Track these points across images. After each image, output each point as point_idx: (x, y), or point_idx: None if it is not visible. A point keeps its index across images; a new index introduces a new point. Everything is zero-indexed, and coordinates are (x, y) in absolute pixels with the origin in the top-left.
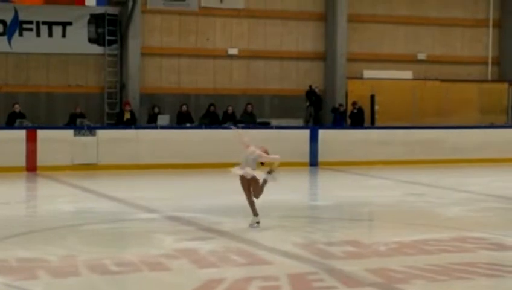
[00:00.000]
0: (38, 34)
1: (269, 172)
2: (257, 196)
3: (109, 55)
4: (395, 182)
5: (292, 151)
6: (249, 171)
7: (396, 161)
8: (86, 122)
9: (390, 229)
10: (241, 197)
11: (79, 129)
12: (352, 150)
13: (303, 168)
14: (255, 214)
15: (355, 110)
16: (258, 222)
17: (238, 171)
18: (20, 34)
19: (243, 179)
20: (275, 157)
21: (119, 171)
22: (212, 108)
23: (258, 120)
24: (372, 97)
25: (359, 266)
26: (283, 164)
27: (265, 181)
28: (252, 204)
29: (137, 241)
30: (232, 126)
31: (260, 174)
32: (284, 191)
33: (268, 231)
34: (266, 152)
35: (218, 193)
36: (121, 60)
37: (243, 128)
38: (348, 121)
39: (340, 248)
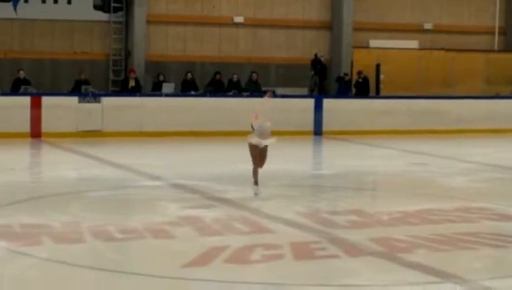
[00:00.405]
0: (43, 1)
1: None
2: (262, 165)
3: (114, 22)
4: (399, 152)
5: (297, 120)
6: (271, 141)
7: (401, 131)
8: (90, 89)
9: (393, 199)
10: (245, 166)
11: (84, 96)
12: (357, 120)
13: (307, 137)
14: (257, 183)
15: (361, 80)
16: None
17: (268, 141)
18: (26, 1)
19: (256, 147)
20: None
21: (123, 139)
22: (217, 76)
23: (263, 88)
24: (378, 67)
25: (362, 235)
26: (288, 133)
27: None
28: (257, 173)
29: (142, 209)
30: (267, 94)
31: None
32: (287, 160)
33: (271, 200)
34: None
35: (223, 161)
36: (126, 27)
37: (248, 96)
38: (353, 90)
39: (343, 217)
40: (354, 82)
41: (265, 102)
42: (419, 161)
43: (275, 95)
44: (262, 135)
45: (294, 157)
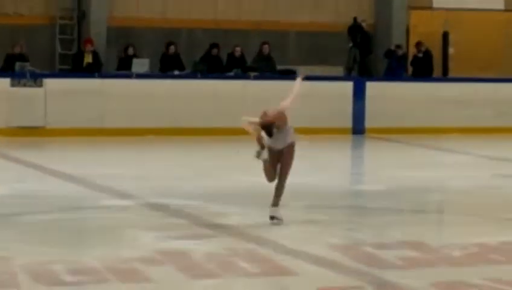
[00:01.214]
0: None
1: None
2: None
3: None
4: (478, 159)
5: (327, 113)
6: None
7: (480, 129)
8: (28, 67)
9: (469, 226)
10: (252, 179)
11: (19, 77)
12: (415, 112)
13: (343, 137)
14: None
15: (420, 55)
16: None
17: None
18: None
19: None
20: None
21: (76, 139)
22: (214, 51)
23: (279, 67)
24: (446, 36)
25: (423, 278)
26: (315, 131)
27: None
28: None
29: (103, 239)
30: (300, 76)
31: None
32: (315, 170)
33: (292, 227)
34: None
35: (221, 170)
36: None
37: (255, 78)
38: (410, 69)
39: (396, 253)
40: (410, 58)
41: (296, 88)
42: (506, 171)
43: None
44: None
45: (325, 166)
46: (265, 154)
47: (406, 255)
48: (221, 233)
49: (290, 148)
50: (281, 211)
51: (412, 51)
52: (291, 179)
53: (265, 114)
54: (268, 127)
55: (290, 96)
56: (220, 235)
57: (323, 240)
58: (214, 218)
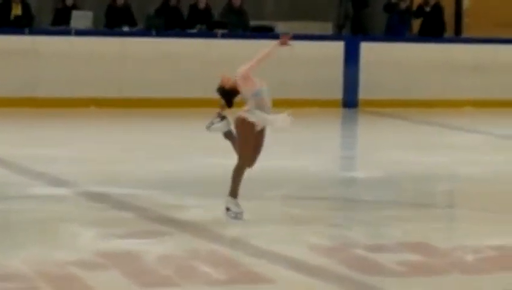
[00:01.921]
0: None
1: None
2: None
3: None
4: (496, 139)
5: (312, 82)
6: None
7: (499, 102)
8: None
9: (485, 224)
10: (217, 161)
11: None
12: (420, 81)
13: (331, 112)
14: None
15: (428, 9)
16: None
17: (280, 118)
18: None
19: (252, 128)
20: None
21: (0, 110)
22: (173, 1)
23: (253, 23)
24: None
25: (429, 287)
26: (296, 104)
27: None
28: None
29: (32, 237)
30: (283, 37)
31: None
32: (295, 153)
33: (266, 224)
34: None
35: (178, 152)
36: None
37: (223, 36)
38: (415, 26)
39: (394, 256)
40: (415, 12)
41: (272, 50)
42: None
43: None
44: (263, 107)
45: (309, 147)
46: (221, 125)
47: (408, 260)
48: (178, 230)
49: (237, 123)
50: (254, 203)
51: (418, 3)
52: (266, 164)
53: (225, 78)
54: (223, 94)
55: (255, 57)
56: (176, 233)
57: (305, 240)
58: (169, 211)
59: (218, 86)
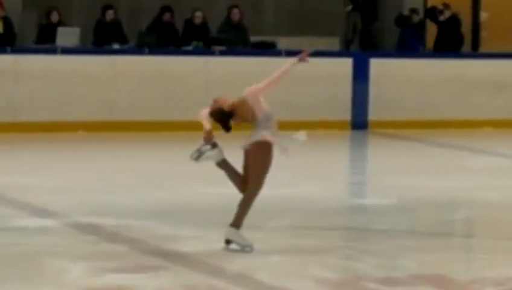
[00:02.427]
0: None
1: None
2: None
3: None
4: None
5: (318, 102)
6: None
7: None
8: None
9: (506, 254)
10: (220, 189)
11: None
12: (435, 100)
13: (339, 134)
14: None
15: (442, 18)
16: (246, 245)
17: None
18: None
19: (269, 151)
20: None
21: None
22: (166, 16)
23: (253, 39)
24: None
25: None
26: (301, 126)
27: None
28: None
29: (16, 272)
30: (303, 54)
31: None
32: (301, 179)
33: (271, 256)
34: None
35: (175, 179)
36: None
37: (222, 53)
38: (429, 41)
39: (410, 289)
40: (427, 13)
41: (289, 68)
42: None
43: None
44: (273, 132)
45: (316, 173)
46: (214, 154)
47: None
48: (174, 264)
49: (256, 147)
50: (257, 234)
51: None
52: (270, 191)
53: (216, 101)
54: (221, 117)
55: (270, 77)
56: (172, 267)
57: (312, 273)
58: (164, 243)
59: (213, 109)
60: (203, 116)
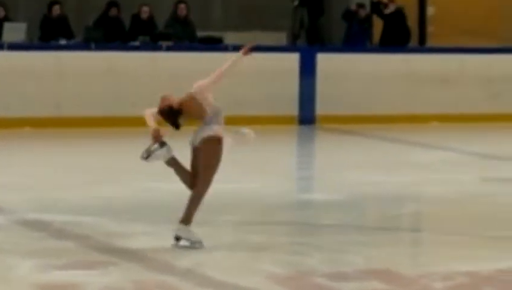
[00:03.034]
0: None
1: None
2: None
3: None
4: (464, 157)
5: (265, 97)
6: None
7: (467, 116)
8: None
9: (454, 249)
10: (169, 185)
11: None
12: (382, 94)
13: (287, 129)
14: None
15: (388, 14)
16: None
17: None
18: None
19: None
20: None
21: None
22: (113, 11)
23: (200, 34)
24: None
25: None
26: (248, 121)
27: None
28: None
29: None
30: (244, 49)
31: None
32: (249, 174)
33: (219, 252)
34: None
35: (122, 175)
36: None
37: (169, 49)
38: (375, 36)
39: (357, 285)
40: (372, 7)
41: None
42: (500, 173)
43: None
44: (220, 122)
45: (263, 168)
46: (163, 152)
47: (371, 288)
48: (123, 260)
49: (207, 144)
50: (205, 229)
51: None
52: (218, 186)
53: (163, 99)
54: (169, 115)
55: (216, 71)
56: (121, 263)
57: (261, 269)
58: (113, 239)
59: (161, 107)
60: (148, 115)
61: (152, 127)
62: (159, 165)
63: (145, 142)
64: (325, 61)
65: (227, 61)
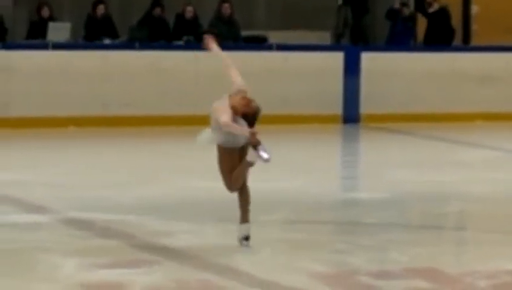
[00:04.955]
0: None
1: (254, 146)
2: (232, 186)
3: None
4: (509, 155)
5: (309, 96)
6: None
7: (511, 115)
8: None
9: (498, 247)
10: (208, 184)
11: None
12: (426, 93)
13: (331, 128)
14: (245, 220)
15: (431, 10)
16: (246, 238)
17: (207, 136)
18: None
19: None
20: (239, 130)
21: None
22: (157, 11)
23: (244, 33)
24: None
25: None
26: (293, 120)
27: (247, 162)
28: (244, 201)
29: (7, 269)
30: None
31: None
32: (293, 173)
33: (263, 251)
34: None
35: (167, 174)
36: None
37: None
38: (419, 34)
39: (401, 283)
40: (417, 6)
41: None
42: None
43: (216, 36)
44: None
45: (307, 167)
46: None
47: (415, 287)
48: (166, 258)
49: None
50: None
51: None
52: (262, 185)
53: (249, 100)
54: (254, 118)
55: (232, 70)
56: (165, 262)
57: (305, 267)
58: (156, 238)
59: (251, 110)
60: (229, 121)
61: (251, 130)
62: (203, 164)
63: (188, 140)
64: (369, 60)
65: (224, 59)
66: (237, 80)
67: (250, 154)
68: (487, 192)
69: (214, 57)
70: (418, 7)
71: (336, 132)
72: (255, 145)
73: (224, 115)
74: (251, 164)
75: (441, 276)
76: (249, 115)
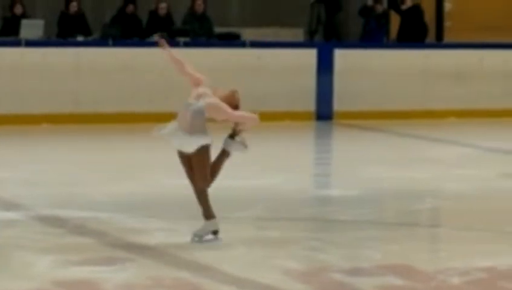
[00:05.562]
0: None
1: (232, 136)
2: (206, 181)
3: None
4: (482, 152)
5: (282, 93)
6: (184, 136)
7: (485, 112)
8: None
9: (472, 244)
10: (182, 182)
11: None
12: (400, 90)
13: (304, 125)
14: (209, 215)
15: (405, 10)
16: (215, 232)
17: (165, 132)
18: None
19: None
20: (248, 117)
21: None
22: (130, 8)
23: (217, 30)
24: None
25: None
26: (266, 117)
27: (224, 153)
28: (202, 196)
29: None
30: (156, 37)
31: (206, 139)
32: (266, 170)
33: (236, 248)
34: (231, 100)
35: (140, 171)
36: None
37: (186, 45)
38: (392, 31)
39: (375, 280)
40: (390, 4)
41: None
42: None
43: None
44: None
45: (280, 164)
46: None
47: (388, 284)
48: (140, 256)
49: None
50: (223, 225)
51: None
52: (235, 182)
53: (237, 94)
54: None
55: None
56: (139, 259)
57: (279, 264)
58: (130, 236)
59: (238, 105)
60: (233, 111)
61: (254, 115)
62: (176, 161)
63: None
64: (342, 57)
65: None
66: (201, 77)
67: (229, 144)
68: (461, 189)
69: (188, 55)
70: (391, 4)
71: (309, 129)
72: (238, 133)
73: (229, 109)
74: (229, 155)
75: (414, 273)
76: (232, 106)
